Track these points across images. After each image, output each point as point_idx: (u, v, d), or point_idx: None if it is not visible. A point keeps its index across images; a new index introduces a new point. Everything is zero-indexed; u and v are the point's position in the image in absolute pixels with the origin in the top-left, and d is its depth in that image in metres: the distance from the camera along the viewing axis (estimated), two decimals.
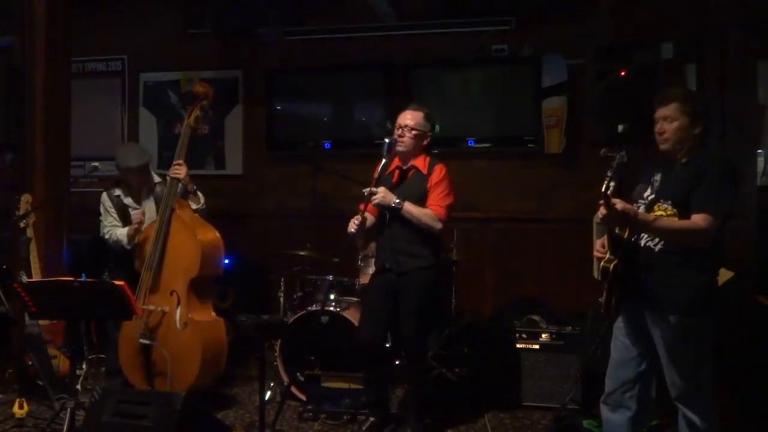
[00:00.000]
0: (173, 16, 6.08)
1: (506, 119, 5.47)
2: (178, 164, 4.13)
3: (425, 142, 3.72)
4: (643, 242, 2.81)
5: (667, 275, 2.74)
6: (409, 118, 3.69)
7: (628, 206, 2.65)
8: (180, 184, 4.15)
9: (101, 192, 4.47)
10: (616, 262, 2.75)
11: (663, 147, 2.83)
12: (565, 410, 3.90)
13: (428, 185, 3.64)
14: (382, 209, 3.67)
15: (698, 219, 2.65)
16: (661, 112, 2.81)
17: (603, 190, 2.54)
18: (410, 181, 3.71)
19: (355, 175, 4.58)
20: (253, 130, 5.99)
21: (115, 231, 4.30)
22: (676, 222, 2.70)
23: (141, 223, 4.18)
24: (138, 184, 4.41)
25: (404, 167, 3.74)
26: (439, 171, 3.68)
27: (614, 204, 2.57)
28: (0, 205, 4.75)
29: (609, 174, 2.56)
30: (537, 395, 4.24)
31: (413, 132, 3.65)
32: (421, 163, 3.71)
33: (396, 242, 3.66)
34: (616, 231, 2.80)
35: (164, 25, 6.12)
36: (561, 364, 4.20)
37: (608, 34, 4.98)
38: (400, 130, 3.66)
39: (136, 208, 4.37)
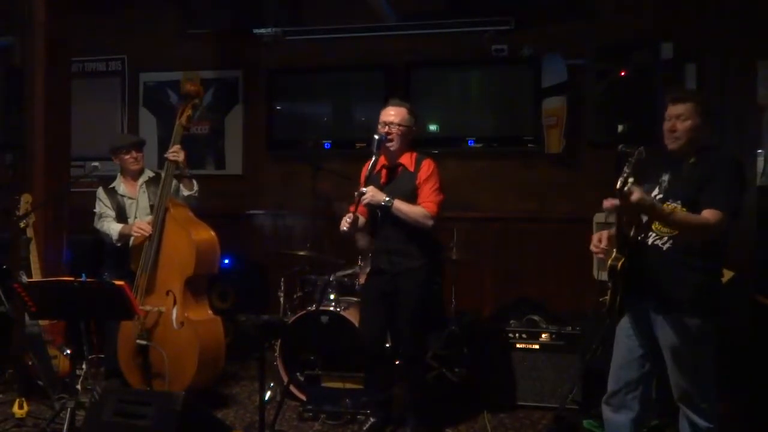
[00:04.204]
0: (173, 16, 6.07)
1: (506, 119, 5.48)
2: (176, 148, 4.12)
3: (410, 138, 3.70)
4: (650, 241, 2.78)
5: (674, 275, 2.71)
6: (392, 114, 3.64)
7: (646, 196, 2.57)
8: (175, 175, 4.14)
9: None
10: (623, 260, 2.71)
11: (672, 146, 2.79)
12: (565, 410, 3.90)
13: (417, 182, 3.62)
14: (373, 209, 3.65)
15: (708, 215, 2.62)
16: (675, 109, 2.75)
17: (619, 186, 2.45)
18: (398, 179, 3.68)
19: (355, 175, 4.58)
20: (253, 130, 5.98)
21: (108, 223, 4.29)
22: (690, 216, 2.65)
23: (142, 236, 4.10)
24: (133, 170, 4.41)
25: (391, 165, 3.71)
26: (427, 167, 3.64)
27: (631, 193, 2.47)
28: (0, 205, 4.75)
29: (626, 170, 2.47)
30: (537, 395, 4.24)
31: (399, 128, 3.62)
32: (407, 159, 3.69)
33: (390, 243, 3.65)
34: (624, 229, 2.75)
35: (164, 25, 6.11)
36: (561, 364, 4.20)
37: (608, 34, 4.98)
38: (387, 127, 3.61)
39: (131, 198, 4.38)
